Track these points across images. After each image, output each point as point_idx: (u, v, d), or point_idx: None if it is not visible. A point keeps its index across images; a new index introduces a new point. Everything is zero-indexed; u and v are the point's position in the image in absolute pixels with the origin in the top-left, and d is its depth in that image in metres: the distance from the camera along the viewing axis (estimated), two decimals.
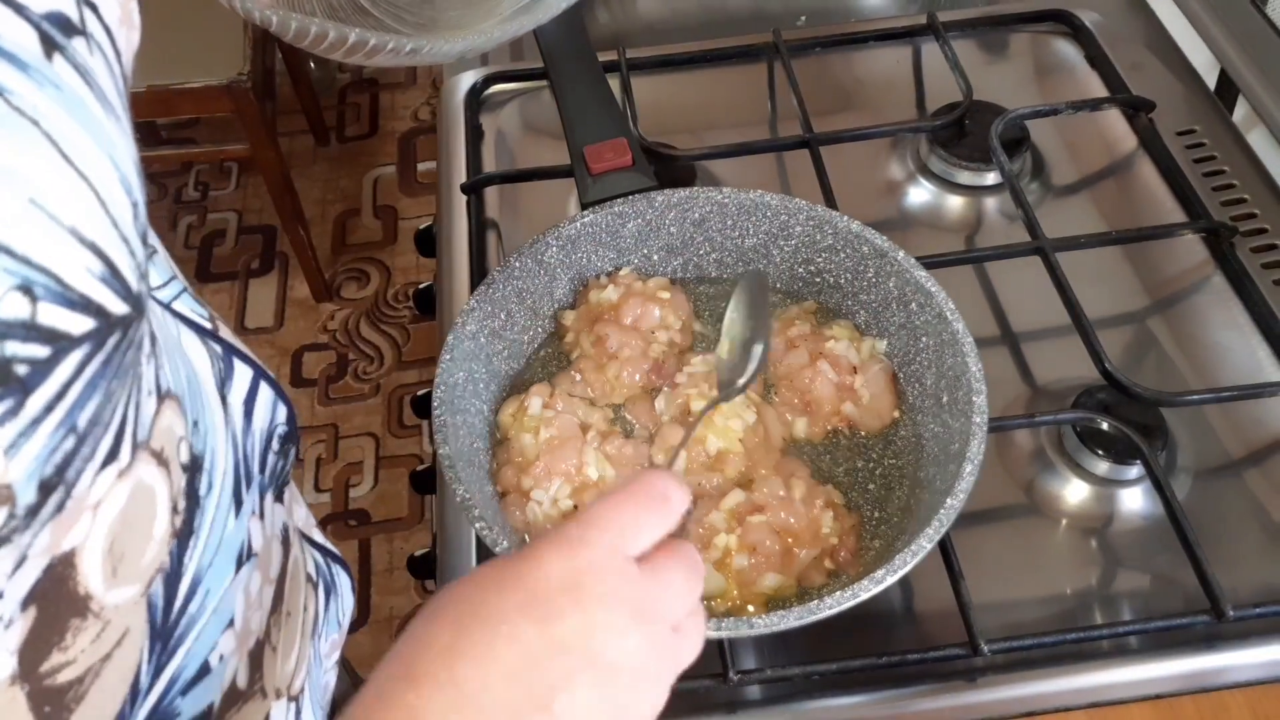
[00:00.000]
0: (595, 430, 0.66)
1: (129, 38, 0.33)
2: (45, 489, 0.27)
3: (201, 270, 2.16)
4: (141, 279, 0.30)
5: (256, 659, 0.45)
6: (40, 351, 0.26)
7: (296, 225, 1.96)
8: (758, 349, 0.55)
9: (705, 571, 0.43)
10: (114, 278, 0.28)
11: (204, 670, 0.40)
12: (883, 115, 0.93)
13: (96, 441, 0.29)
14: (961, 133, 0.90)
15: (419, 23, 0.62)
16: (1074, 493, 0.71)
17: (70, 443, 0.28)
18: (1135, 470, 0.70)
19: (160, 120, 2.23)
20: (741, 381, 0.56)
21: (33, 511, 0.27)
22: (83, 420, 0.28)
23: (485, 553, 0.68)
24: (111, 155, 0.29)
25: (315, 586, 0.55)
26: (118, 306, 0.29)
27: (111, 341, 0.29)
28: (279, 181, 1.89)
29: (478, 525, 0.58)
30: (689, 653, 0.42)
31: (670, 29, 1.11)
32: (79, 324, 0.27)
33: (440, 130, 0.97)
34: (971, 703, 0.63)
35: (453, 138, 0.94)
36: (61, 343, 0.26)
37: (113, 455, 0.30)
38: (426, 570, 0.81)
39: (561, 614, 0.37)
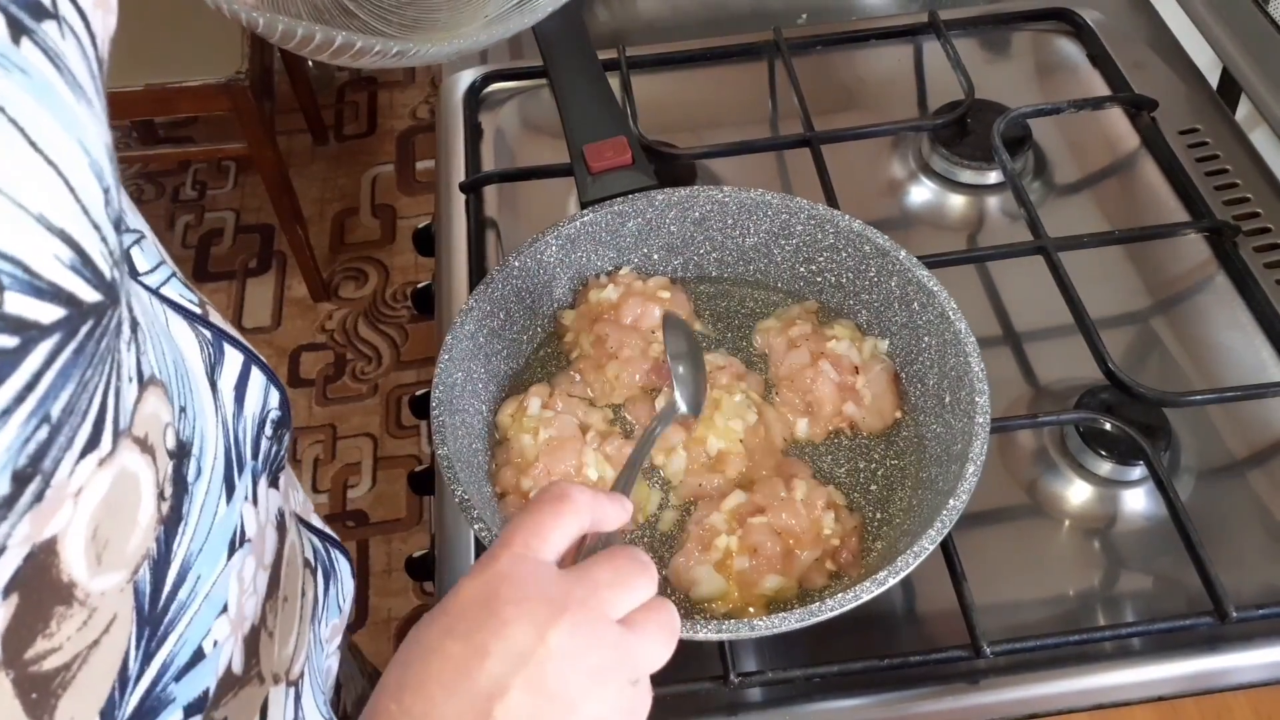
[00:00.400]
0: (595, 431, 0.66)
1: (105, 21, 0.33)
2: (20, 480, 0.27)
3: (199, 269, 2.15)
4: (115, 266, 0.30)
5: (252, 645, 0.45)
6: (8, 341, 0.25)
7: (294, 224, 1.96)
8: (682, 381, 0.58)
9: (652, 568, 0.43)
10: (85, 265, 0.28)
11: (197, 656, 0.40)
12: (884, 114, 0.93)
13: (74, 430, 0.29)
14: (963, 131, 0.89)
15: (404, 23, 0.62)
16: (1077, 493, 0.70)
17: (44, 433, 0.27)
18: (1138, 471, 0.69)
19: (158, 119, 2.23)
20: (684, 406, 0.57)
21: (8, 503, 0.27)
22: (56, 409, 0.28)
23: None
24: (81, 141, 0.28)
25: (314, 572, 0.55)
26: (89, 294, 0.28)
27: (84, 330, 0.28)
28: (277, 180, 1.89)
29: (476, 526, 0.57)
30: (649, 650, 0.42)
31: (670, 27, 1.11)
32: (48, 313, 0.27)
33: (439, 129, 0.97)
34: (974, 705, 0.63)
35: (451, 136, 0.94)
36: (30, 332, 0.26)
37: (93, 443, 0.30)
38: (425, 572, 0.81)
39: (479, 623, 0.38)
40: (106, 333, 0.30)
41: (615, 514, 0.46)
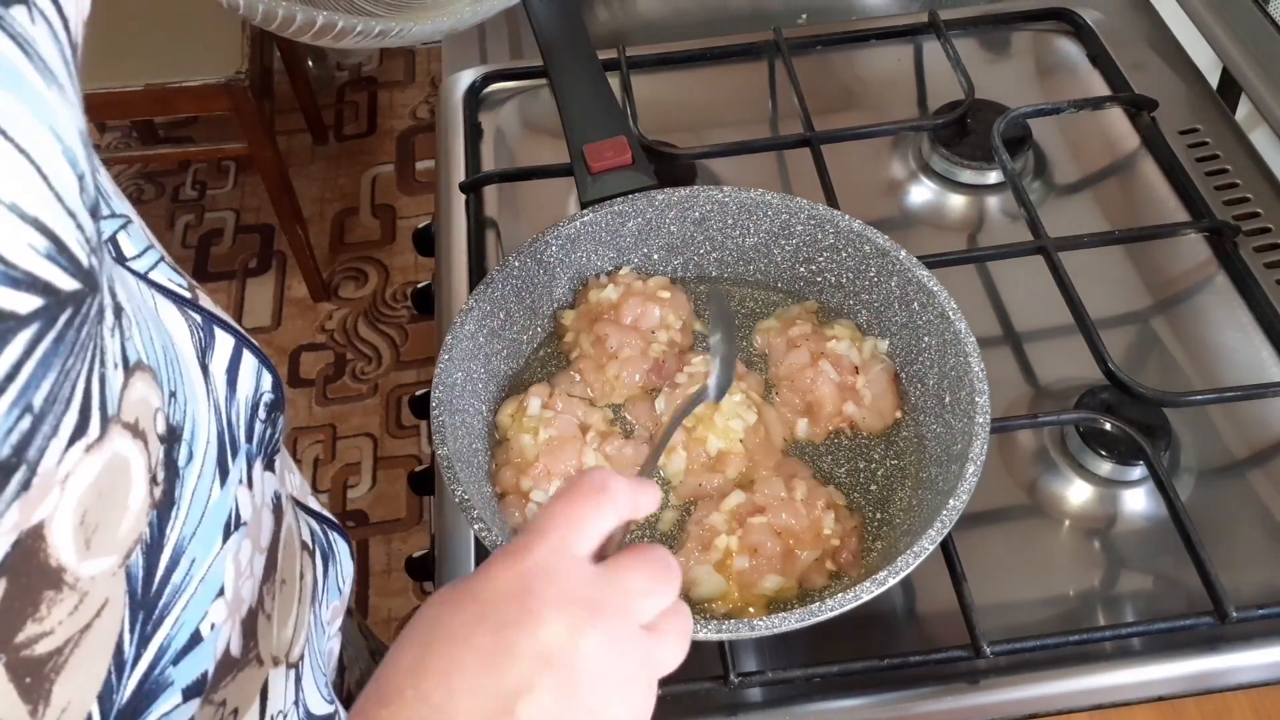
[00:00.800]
0: (595, 431, 0.66)
1: (78, 4, 0.33)
2: (4, 470, 0.27)
3: (199, 269, 2.15)
4: (92, 253, 0.30)
5: (250, 627, 0.45)
6: None
7: (294, 224, 1.96)
8: (723, 362, 0.54)
9: (679, 572, 0.42)
10: (61, 254, 0.28)
11: (195, 639, 0.40)
12: (884, 114, 0.93)
13: (57, 419, 0.29)
14: (963, 131, 0.89)
15: (394, 3, 0.62)
16: (1077, 493, 0.70)
17: (27, 423, 0.27)
18: (1138, 471, 0.69)
19: (158, 119, 2.23)
20: (712, 393, 0.55)
21: None
22: (38, 399, 0.28)
23: (484, 554, 0.68)
24: (53, 127, 0.28)
25: (312, 554, 0.55)
26: (67, 283, 0.28)
27: (63, 318, 0.28)
28: (277, 180, 1.89)
29: (476, 526, 0.57)
30: (668, 655, 0.41)
31: (670, 27, 1.11)
32: (25, 303, 0.27)
33: (439, 129, 0.97)
34: (974, 705, 0.63)
35: (451, 136, 0.94)
36: (8, 323, 0.26)
37: (80, 430, 0.30)
38: (425, 572, 0.81)
39: (512, 618, 0.38)
40: (87, 320, 0.30)
41: (649, 503, 0.44)
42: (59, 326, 0.28)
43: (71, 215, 0.29)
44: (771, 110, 0.98)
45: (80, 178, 0.29)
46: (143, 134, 2.24)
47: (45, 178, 0.28)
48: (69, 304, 0.28)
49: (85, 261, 0.29)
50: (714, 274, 0.76)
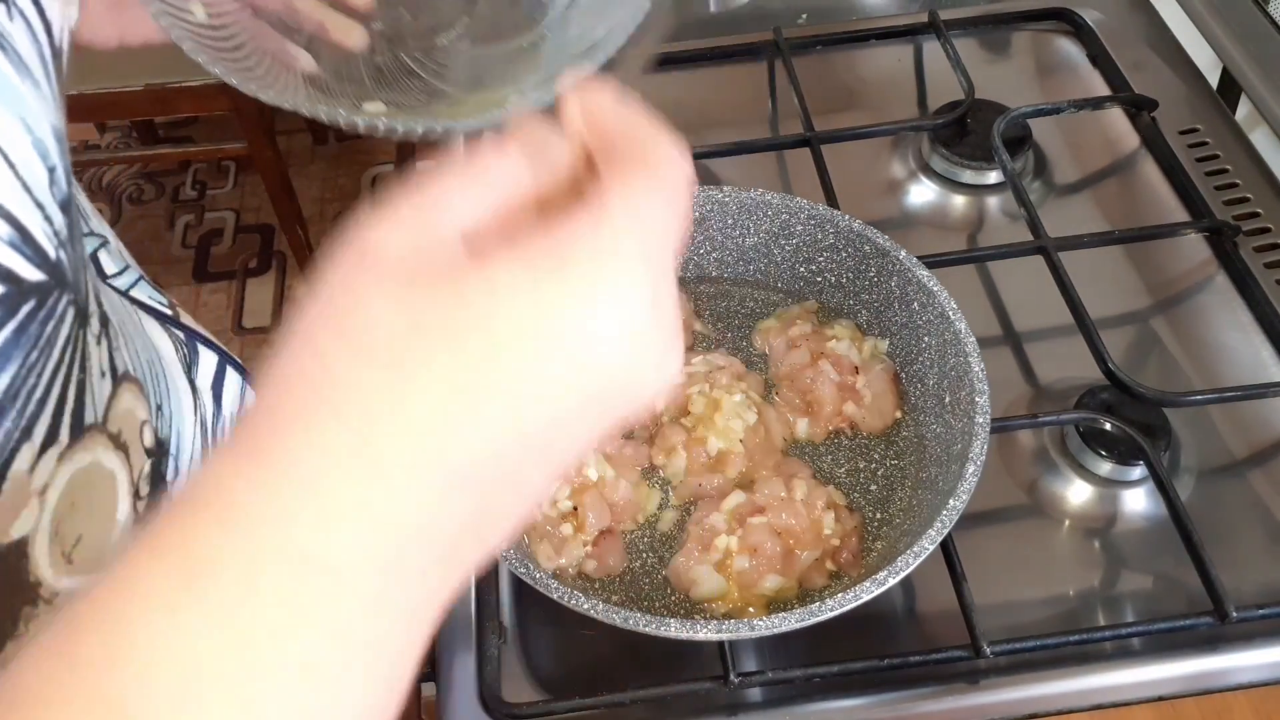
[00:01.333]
0: None
1: (65, 12, 0.33)
2: None
3: (199, 269, 2.15)
4: (60, 247, 0.29)
5: None
6: None
7: (295, 224, 1.96)
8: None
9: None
10: (25, 243, 0.28)
11: None
12: (884, 114, 0.93)
13: (24, 419, 0.28)
14: (963, 131, 0.89)
15: (463, 79, 0.64)
16: (1077, 493, 0.70)
17: None
18: (1138, 471, 0.69)
19: (158, 119, 2.23)
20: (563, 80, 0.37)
21: None
22: None
23: None
24: (23, 118, 0.28)
25: None
26: (31, 273, 0.28)
27: (25, 309, 0.28)
28: (277, 180, 1.89)
29: None
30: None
31: (670, 26, 1.11)
32: None
33: None
34: (974, 705, 0.62)
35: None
36: None
37: (51, 438, 0.30)
38: None
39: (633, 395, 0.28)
40: (52, 316, 0.29)
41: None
42: (20, 317, 0.28)
43: (39, 206, 0.28)
44: (771, 110, 0.98)
45: (51, 171, 0.29)
46: (143, 134, 2.24)
47: (11, 165, 0.27)
48: (32, 295, 0.28)
49: (52, 254, 0.29)
50: (714, 274, 0.76)
